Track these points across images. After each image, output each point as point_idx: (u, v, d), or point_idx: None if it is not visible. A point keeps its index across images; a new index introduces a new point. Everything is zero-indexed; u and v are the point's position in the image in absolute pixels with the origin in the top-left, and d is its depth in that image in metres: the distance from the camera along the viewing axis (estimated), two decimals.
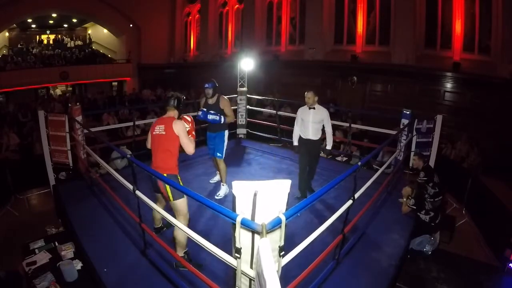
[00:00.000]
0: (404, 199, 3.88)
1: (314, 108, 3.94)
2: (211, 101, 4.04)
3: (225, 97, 4.13)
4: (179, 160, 2.83)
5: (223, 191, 4.19)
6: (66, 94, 15.17)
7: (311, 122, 3.94)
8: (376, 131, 5.40)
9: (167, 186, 2.62)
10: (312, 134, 3.98)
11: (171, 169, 2.73)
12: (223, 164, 4.17)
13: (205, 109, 3.89)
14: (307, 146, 4.03)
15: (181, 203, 2.70)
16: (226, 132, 4.17)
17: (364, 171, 4.45)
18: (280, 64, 11.22)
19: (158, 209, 2.50)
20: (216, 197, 4.08)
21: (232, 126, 6.67)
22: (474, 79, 7.33)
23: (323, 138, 4.18)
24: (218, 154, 4.12)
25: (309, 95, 3.92)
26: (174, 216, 2.60)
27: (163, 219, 3.09)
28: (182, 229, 2.17)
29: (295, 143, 4.18)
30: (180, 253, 2.71)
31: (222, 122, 3.89)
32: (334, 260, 2.70)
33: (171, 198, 2.68)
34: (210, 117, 3.83)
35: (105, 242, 3.17)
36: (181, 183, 2.69)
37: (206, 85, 3.96)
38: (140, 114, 8.88)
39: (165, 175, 2.56)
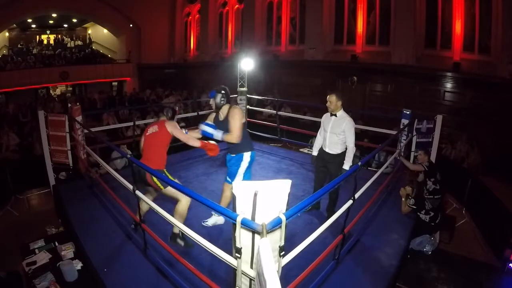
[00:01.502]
0: (404, 199, 3.88)
1: (335, 116, 3.29)
2: (221, 116, 3.09)
3: (238, 107, 3.13)
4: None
5: (213, 220, 3.38)
6: (66, 94, 15.17)
7: (329, 131, 3.31)
8: (376, 131, 5.40)
9: (154, 178, 2.77)
10: (328, 146, 3.35)
11: (158, 166, 2.85)
12: (229, 192, 3.18)
13: (209, 123, 3.10)
14: (323, 160, 3.45)
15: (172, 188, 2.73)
16: (246, 155, 3.09)
17: (364, 171, 4.47)
18: (280, 64, 11.22)
19: (159, 209, 2.49)
20: (202, 223, 3.38)
21: None
22: (474, 79, 7.33)
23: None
24: (228, 178, 3.21)
25: (331, 99, 3.25)
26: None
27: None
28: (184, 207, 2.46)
29: (314, 152, 3.60)
30: (180, 221, 2.57)
31: (220, 137, 2.97)
32: (334, 260, 2.69)
33: (161, 187, 2.81)
34: (203, 127, 3.03)
35: (105, 242, 3.17)
36: (169, 176, 2.80)
37: (211, 94, 3.07)
38: (140, 114, 8.89)
39: None
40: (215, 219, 3.40)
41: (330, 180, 3.33)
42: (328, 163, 3.41)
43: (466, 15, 7.67)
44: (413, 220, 3.78)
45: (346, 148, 3.31)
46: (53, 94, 15.35)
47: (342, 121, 3.26)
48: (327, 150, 3.39)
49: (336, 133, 3.28)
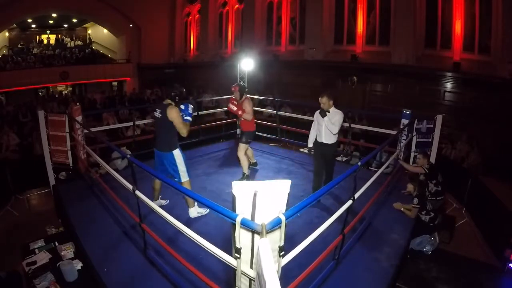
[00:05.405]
0: (403, 209, 3.89)
1: (329, 112, 3.79)
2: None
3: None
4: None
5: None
6: (65, 94, 15.16)
7: (324, 126, 3.81)
8: (376, 131, 5.39)
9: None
10: (325, 137, 3.87)
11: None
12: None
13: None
14: (321, 149, 3.96)
15: None
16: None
17: (364, 171, 4.47)
18: (280, 64, 11.21)
19: (158, 209, 2.49)
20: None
21: (233, 126, 6.67)
22: (474, 79, 7.33)
23: (338, 143, 4.07)
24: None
25: (324, 101, 3.77)
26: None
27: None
28: None
29: (310, 145, 4.11)
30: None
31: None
32: (334, 260, 2.70)
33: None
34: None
35: (105, 242, 3.17)
36: None
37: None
38: (140, 114, 8.89)
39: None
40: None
41: (326, 164, 4.01)
42: (324, 152, 3.95)
43: (466, 15, 7.67)
44: (413, 220, 3.78)
45: (337, 139, 3.95)
46: (58, 90, 15.30)
47: (334, 116, 3.78)
48: (324, 141, 3.90)
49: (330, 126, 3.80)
